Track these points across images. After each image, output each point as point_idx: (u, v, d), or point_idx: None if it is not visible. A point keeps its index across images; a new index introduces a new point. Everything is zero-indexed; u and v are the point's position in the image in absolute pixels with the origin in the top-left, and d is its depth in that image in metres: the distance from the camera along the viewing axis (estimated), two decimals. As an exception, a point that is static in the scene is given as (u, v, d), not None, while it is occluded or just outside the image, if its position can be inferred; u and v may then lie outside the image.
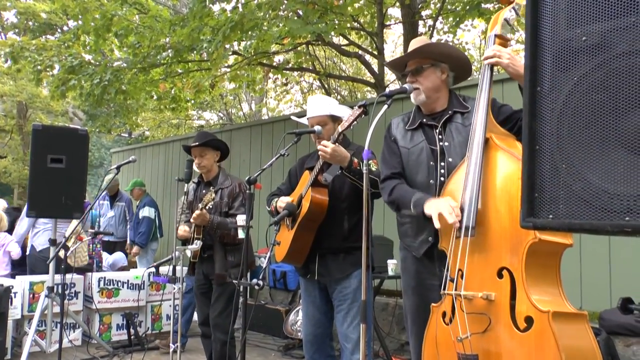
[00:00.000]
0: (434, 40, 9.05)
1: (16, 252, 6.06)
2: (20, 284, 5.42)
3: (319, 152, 3.05)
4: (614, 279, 4.63)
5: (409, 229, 2.82)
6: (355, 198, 3.29)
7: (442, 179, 2.65)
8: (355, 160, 3.08)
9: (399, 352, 5.53)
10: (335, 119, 3.41)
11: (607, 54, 1.33)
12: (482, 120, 2.39)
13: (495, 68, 2.49)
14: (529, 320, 2.12)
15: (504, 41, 2.49)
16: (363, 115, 2.85)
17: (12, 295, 5.20)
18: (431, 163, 2.71)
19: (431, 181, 2.68)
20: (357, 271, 3.29)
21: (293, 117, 3.82)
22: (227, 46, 7.67)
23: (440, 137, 2.73)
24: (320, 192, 3.23)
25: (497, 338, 2.21)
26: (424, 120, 2.81)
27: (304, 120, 3.62)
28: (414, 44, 2.86)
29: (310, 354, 3.48)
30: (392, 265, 5.18)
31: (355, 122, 2.87)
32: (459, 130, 2.70)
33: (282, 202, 3.37)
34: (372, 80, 10.31)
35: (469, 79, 3.09)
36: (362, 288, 2.41)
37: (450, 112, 2.76)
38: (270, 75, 14.11)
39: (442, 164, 2.68)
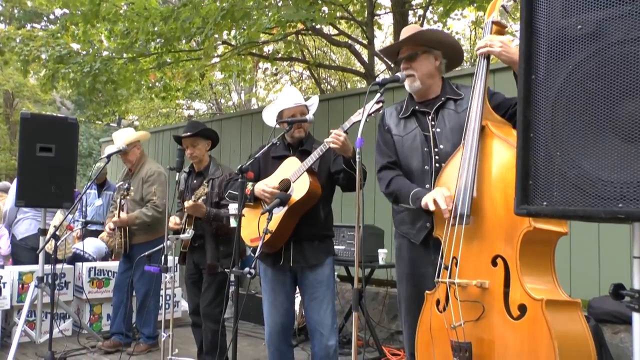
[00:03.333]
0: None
1: (5, 249, 6.02)
2: (10, 274, 5.37)
3: (331, 139, 3.00)
4: (602, 267, 4.68)
5: (406, 216, 2.84)
6: (329, 188, 3.43)
7: (437, 165, 2.68)
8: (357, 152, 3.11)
9: (388, 342, 5.55)
10: (308, 110, 3.55)
11: (602, 42, 1.34)
12: (479, 108, 2.40)
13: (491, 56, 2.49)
14: (523, 308, 2.13)
15: (501, 28, 2.49)
16: (381, 111, 2.85)
17: (1, 285, 5.17)
18: (425, 149, 2.73)
19: (426, 167, 2.71)
20: (328, 259, 3.44)
21: (264, 112, 3.74)
22: (216, 36, 7.63)
23: (432, 123, 2.75)
24: (315, 178, 3.28)
25: (490, 326, 2.23)
26: (417, 107, 2.83)
27: (273, 112, 3.61)
28: (406, 31, 2.86)
29: (277, 345, 3.46)
30: (382, 254, 5.20)
31: (372, 115, 2.84)
32: (451, 117, 2.72)
33: (265, 185, 3.30)
34: (362, 70, 10.31)
35: (462, 69, 3.10)
36: (355, 278, 2.41)
37: (443, 98, 2.78)
38: (260, 65, 14.06)
39: (436, 150, 2.71)
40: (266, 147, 3.33)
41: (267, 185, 3.30)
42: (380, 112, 2.88)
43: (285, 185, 3.31)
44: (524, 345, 2.12)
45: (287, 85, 16.57)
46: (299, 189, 3.23)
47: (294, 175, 3.27)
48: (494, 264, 2.26)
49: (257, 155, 3.35)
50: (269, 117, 3.63)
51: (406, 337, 2.88)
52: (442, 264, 2.41)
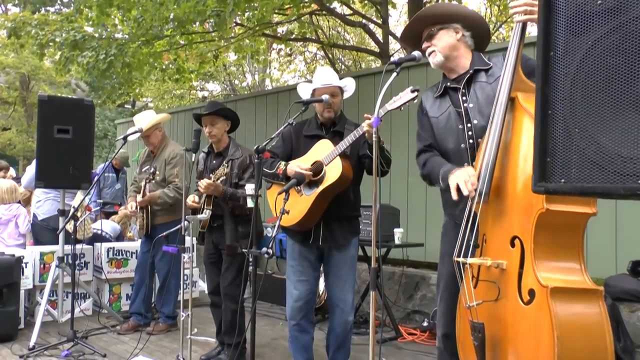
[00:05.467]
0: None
1: (24, 228, 6.13)
2: (31, 255, 5.48)
3: (365, 128, 2.93)
4: (619, 245, 4.65)
5: (449, 197, 2.71)
6: (357, 170, 3.46)
7: (470, 141, 2.60)
8: (382, 138, 3.11)
9: (405, 321, 5.59)
10: (342, 91, 3.58)
11: (623, 17, 1.32)
12: (508, 80, 2.28)
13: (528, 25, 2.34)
14: (532, 294, 2.08)
15: None
16: (415, 101, 2.79)
17: (24, 265, 5.26)
18: (459, 127, 2.65)
19: (462, 145, 2.63)
20: (355, 239, 3.56)
21: (300, 87, 3.77)
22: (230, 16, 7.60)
23: (464, 98, 2.66)
24: (347, 162, 3.32)
25: (505, 308, 2.21)
26: (448, 84, 2.75)
27: (306, 90, 3.63)
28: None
29: (298, 320, 3.54)
30: (398, 234, 5.22)
31: (407, 104, 2.78)
32: (482, 89, 2.62)
33: (298, 167, 3.34)
34: (377, 50, 10.25)
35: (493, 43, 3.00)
36: (372, 257, 2.43)
37: (471, 71, 2.68)
38: (274, 45, 14.02)
39: (469, 125, 2.62)
40: (282, 127, 3.34)
41: (299, 167, 3.34)
42: (415, 101, 2.82)
43: (318, 167, 3.34)
44: (530, 332, 2.07)
45: (301, 66, 16.54)
46: (332, 173, 3.27)
47: (327, 159, 3.31)
48: (512, 244, 2.20)
49: (273, 136, 3.36)
50: (303, 93, 3.65)
51: (440, 317, 2.82)
52: (473, 242, 2.37)
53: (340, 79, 3.62)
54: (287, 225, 3.44)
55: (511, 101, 2.28)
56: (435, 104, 2.80)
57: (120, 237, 6.92)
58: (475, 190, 2.31)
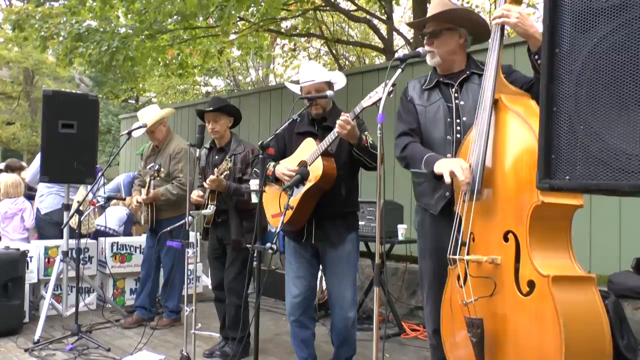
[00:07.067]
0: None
1: (30, 222, 6.16)
2: (36, 249, 5.50)
3: (338, 126, 3.01)
4: (624, 242, 4.64)
5: (427, 187, 2.83)
6: (351, 165, 3.43)
7: (458, 135, 2.69)
8: (364, 137, 3.15)
9: (408, 317, 5.59)
10: (330, 85, 3.51)
11: (629, 14, 1.32)
12: (491, 82, 2.38)
13: (506, 30, 2.47)
14: (531, 285, 2.13)
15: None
16: (391, 95, 2.80)
17: (28, 259, 5.29)
18: (448, 120, 2.74)
19: (448, 137, 2.72)
20: (351, 235, 3.48)
21: (287, 84, 3.78)
22: (233, 12, 7.59)
23: (456, 95, 2.76)
24: (330, 161, 3.28)
25: (502, 302, 2.24)
26: (441, 79, 2.83)
27: (295, 89, 3.62)
28: (434, 6, 2.83)
29: (297, 316, 3.54)
30: (402, 230, 5.22)
31: (380, 100, 2.79)
32: (474, 91, 2.71)
33: (285, 168, 3.34)
34: (381, 46, 10.24)
35: (480, 44, 3.06)
36: (376, 254, 2.43)
37: (468, 72, 2.79)
38: (278, 41, 14.00)
39: (458, 121, 2.71)
40: (286, 123, 3.35)
41: (286, 168, 3.34)
42: (391, 96, 2.84)
43: (303, 168, 3.33)
44: (532, 322, 2.11)
45: (304, 61, 16.48)
46: (314, 173, 3.26)
47: (310, 159, 3.29)
48: (506, 239, 2.25)
49: (277, 132, 3.36)
50: (294, 90, 3.64)
51: (428, 314, 2.87)
52: (460, 240, 2.41)
53: (346, 75, 3.61)
54: (277, 225, 3.43)
55: (494, 103, 2.37)
56: (424, 94, 2.87)
57: (129, 223, 6.89)
58: (468, 183, 2.35)
